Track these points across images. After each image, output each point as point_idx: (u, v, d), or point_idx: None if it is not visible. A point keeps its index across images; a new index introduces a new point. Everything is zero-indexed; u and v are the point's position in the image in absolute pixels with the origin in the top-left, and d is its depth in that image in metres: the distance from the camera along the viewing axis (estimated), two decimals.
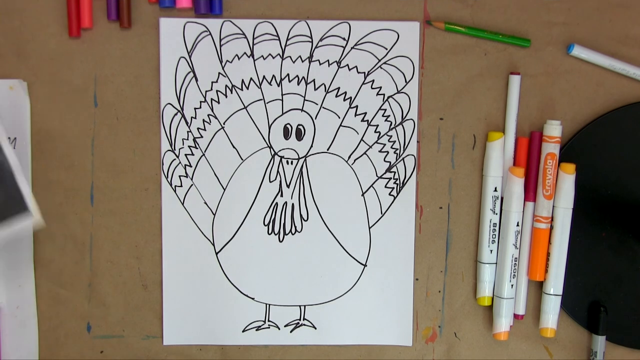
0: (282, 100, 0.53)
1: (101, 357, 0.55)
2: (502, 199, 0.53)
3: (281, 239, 0.54)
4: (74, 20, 0.52)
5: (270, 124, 0.53)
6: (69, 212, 0.54)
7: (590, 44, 0.54)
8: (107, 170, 0.54)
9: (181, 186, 0.54)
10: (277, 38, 0.53)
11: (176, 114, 0.53)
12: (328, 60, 0.53)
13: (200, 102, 0.53)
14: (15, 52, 0.53)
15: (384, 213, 0.54)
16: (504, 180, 0.53)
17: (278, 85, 0.53)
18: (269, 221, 0.54)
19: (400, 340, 0.55)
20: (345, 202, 0.54)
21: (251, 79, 0.53)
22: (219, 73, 0.53)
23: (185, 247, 0.54)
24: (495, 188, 0.53)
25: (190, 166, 0.54)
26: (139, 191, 0.54)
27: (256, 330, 0.55)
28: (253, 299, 0.55)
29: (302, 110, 0.53)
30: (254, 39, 0.53)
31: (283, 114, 0.53)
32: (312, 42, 0.53)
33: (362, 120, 0.54)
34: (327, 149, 0.54)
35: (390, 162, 0.54)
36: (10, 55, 0.53)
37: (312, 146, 0.54)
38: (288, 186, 0.54)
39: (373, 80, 0.53)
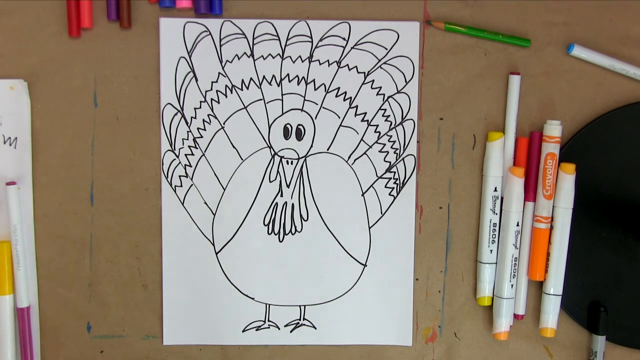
0: (282, 100, 0.53)
1: (101, 357, 0.55)
2: (502, 199, 0.53)
3: (281, 239, 0.54)
4: (74, 20, 0.52)
5: (270, 124, 0.54)
6: (69, 212, 0.54)
7: (590, 44, 0.54)
8: (107, 170, 0.54)
9: (181, 186, 0.54)
10: (277, 38, 0.53)
11: (176, 114, 0.53)
12: (328, 60, 0.53)
13: (200, 102, 0.53)
14: (16, 52, 0.53)
15: (384, 213, 0.54)
16: (504, 180, 0.53)
17: (278, 85, 0.53)
18: (269, 221, 0.54)
19: (400, 340, 0.55)
20: (345, 202, 0.54)
21: (251, 79, 0.53)
22: (219, 73, 0.53)
23: (185, 247, 0.54)
24: (495, 188, 0.53)
25: (190, 166, 0.54)
26: (139, 191, 0.54)
27: (256, 330, 0.55)
28: (253, 299, 0.55)
29: (302, 110, 0.54)
30: (254, 39, 0.53)
31: (283, 114, 0.54)
32: (312, 42, 0.53)
33: (362, 120, 0.54)
34: (327, 149, 0.54)
35: (390, 162, 0.54)
36: (10, 55, 0.53)
37: (312, 146, 0.54)
38: (288, 186, 0.54)
39: (373, 80, 0.53)
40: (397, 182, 0.54)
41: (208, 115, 0.53)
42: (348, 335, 0.55)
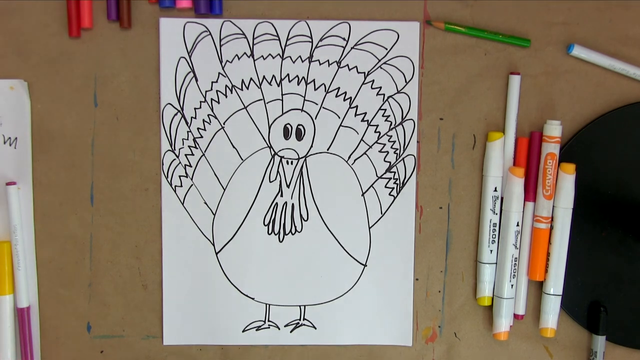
0: (282, 100, 0.53)
1: (101, 357, 0.55)
2: (502, 199, 0.53)
3: (281, 239, 0.54)
4: (74, 20, 0.52)
5: (270, 124, 0.54)
6: (69, 212, 0.54)
7: (590, 44, 0.54)
8: (107, 170, 0.54)
9: (181, 186, 0.54)
10: (277, 38, 0.53)
11: (176, 114, 0.53)
12: (328, 60, 0.53)
13: (200, 102, 0.53)
14: (16, 52, 0.53)
15: (384, 213, 0.54)
16: (504, 180, 0.53)
17: (278, 85, 0.53)
18: (269, 221, 0.54)
19: (400, 340, 0.55)
20: (345, 202, 0.54)
21: (251, 79, 0.53)
22: (219, 73, 0.53)
23: (185, 247, 0.54)
24: (495, 188, 0.53)
25: (190, 166, 0.54)
26: (139, 191, 0.54)
27: (256, 330, 0.55)
28: (253, 299, 0.55)
29: (302, 110, 0.54)
30: (254, 39, 0.53)
31: (283, 114, 0.54)
32: (312, 42, 0.53)
33: (362, 120, 0.54)
34: (327, 149, 0.54)
35: (390, 162, 0.54)
36: (10, 55, 0.53)
37: (312, 146, 0.54)
38: (288, 186, 0.54)
39: (373, 80, 0.53)
40: (397, 182, 0.54)
41: (208, 115, 0.53)
42: (348, 335, 0.55)
